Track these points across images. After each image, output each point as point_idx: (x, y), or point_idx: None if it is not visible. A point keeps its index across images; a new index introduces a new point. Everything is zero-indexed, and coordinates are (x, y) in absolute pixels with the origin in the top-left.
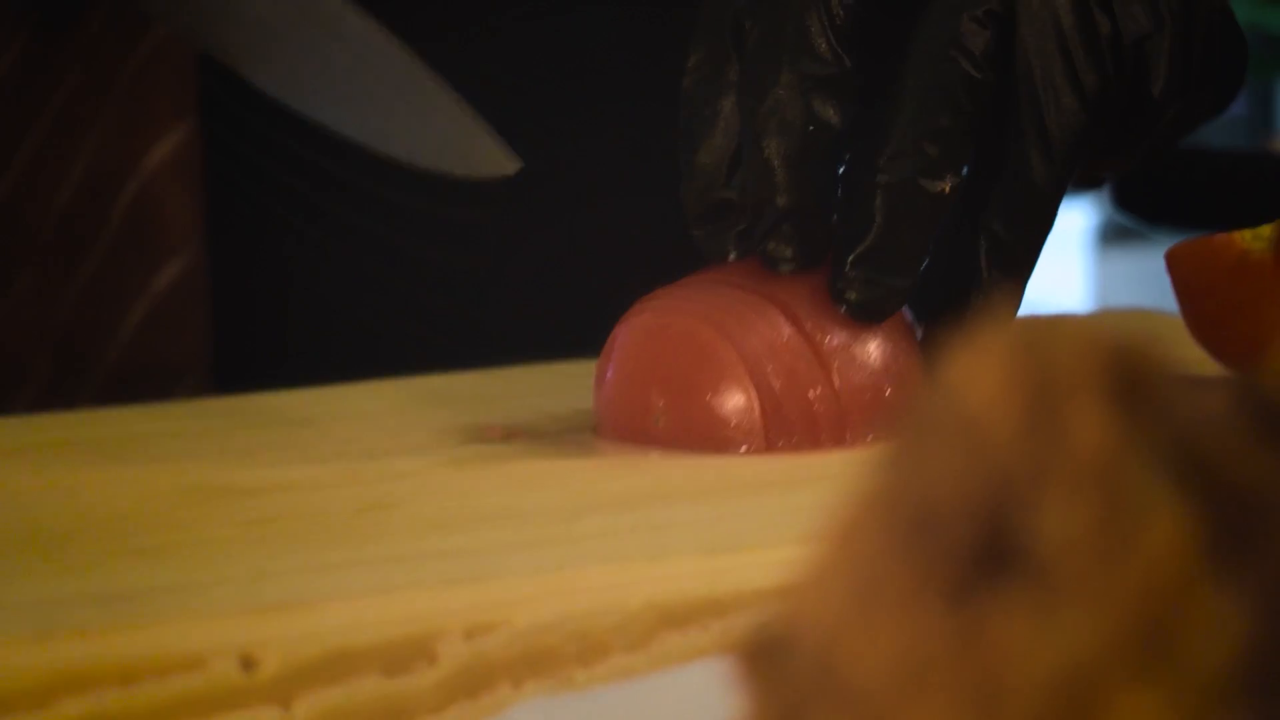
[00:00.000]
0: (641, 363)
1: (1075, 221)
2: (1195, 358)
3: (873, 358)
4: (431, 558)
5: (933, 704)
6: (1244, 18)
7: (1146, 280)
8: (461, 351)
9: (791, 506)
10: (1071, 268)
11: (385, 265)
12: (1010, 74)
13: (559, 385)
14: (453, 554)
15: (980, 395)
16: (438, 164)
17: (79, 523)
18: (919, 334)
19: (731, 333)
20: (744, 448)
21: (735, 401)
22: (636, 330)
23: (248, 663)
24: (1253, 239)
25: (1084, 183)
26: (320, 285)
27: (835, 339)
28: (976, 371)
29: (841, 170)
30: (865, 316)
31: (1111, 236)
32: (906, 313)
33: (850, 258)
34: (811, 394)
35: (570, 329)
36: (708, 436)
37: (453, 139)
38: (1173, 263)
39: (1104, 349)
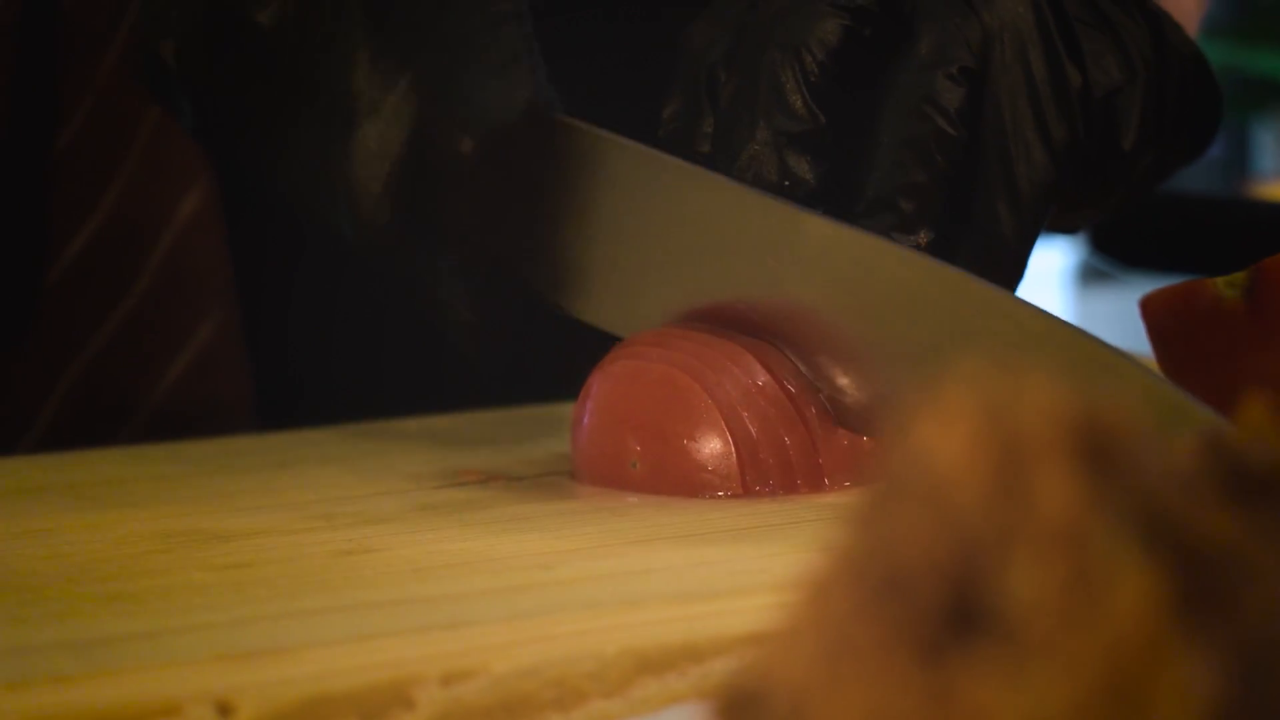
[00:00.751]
0: (618, 408)
1: (1053, 261)
2: None
3: (849, 405)
4: (408, 604)
5: None
6: (1221, 59)
7: (1124, 320)
8: (442, 394)
9: (768, 553)
10: (1049, 307)
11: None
12: (980, 126)
13: (536, 429)
14: (430, 600)
15: (948, 457)
16: None
17: (54, 568)
18: None
19: (707, 379)
20: (721, 493)
21: (712, 447)
22: (612, 376)
23: (224, 709)
24: (1226, 286)
25: (1059, 229)
26: (335, 325)
27: (811, 385)
28: (944, 433)
29: None
30: None
31: (1090, 276)
32: None
33: None
34: (787, 440)
35: (548, 373)
36: (684, 482)
37: None
38: (1147, 309)
39: (1070, 410)
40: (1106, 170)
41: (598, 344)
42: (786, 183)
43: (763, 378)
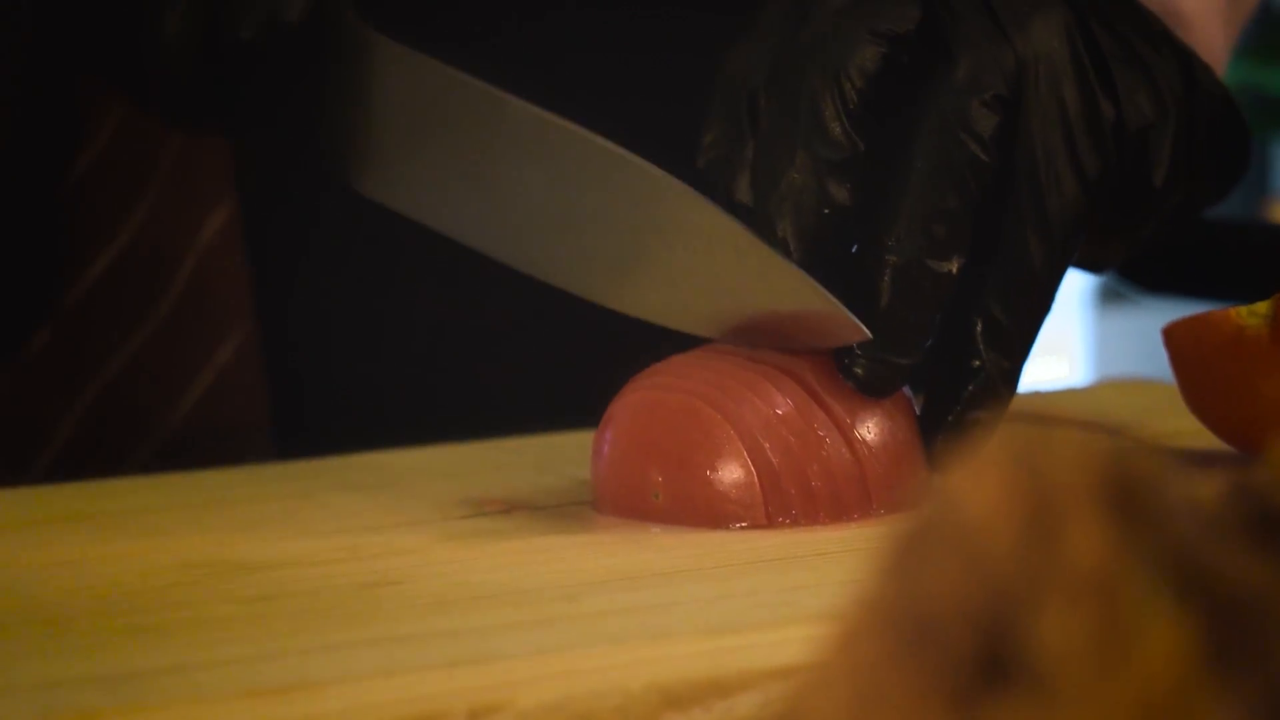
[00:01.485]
0: (638, 439)
1: (1072, 283)
2: (1191, 429)
3: (871, 434)
4: (435, 637)
5: None
6: (1240, 78)
7: (1145, 341)
8: (459, 421)
9: (793, 585)
10: (1071, 328)
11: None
12: (1013, 156)
13: (555, 456)
14: (455, 634)
15: (979, 506)
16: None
17: (81, 601)
18: (917, 410)
19: (728, 408)
20: (743, 524)
21: (734, 477)
22: (632, 406)
23: None
24: (1249, 315)
25: (1088, 266)
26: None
27: (833, 414)
28: (976, 482)
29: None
30: (870, 392)
31: (1111, 297)
32: (907, 390)
33: None
34: (809, 469)
35: (568, 400)
36: (707, 512)
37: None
38: (1170, 338)
39: (1101, 460)
40: (1136, 206)
41: (617, 371)
42: (826, 210)
43: (783, 407)
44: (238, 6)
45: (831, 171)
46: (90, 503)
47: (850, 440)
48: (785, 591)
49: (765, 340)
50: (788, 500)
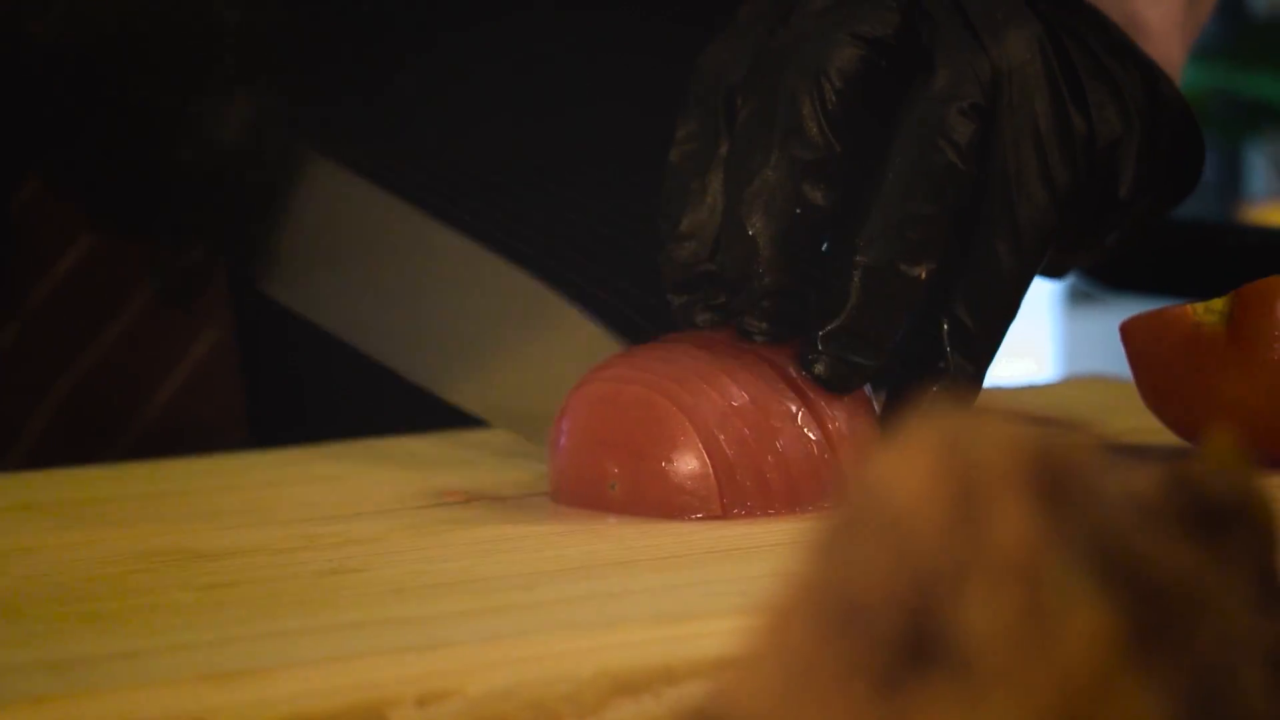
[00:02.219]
0: (595, 430)
1: (1040, 283)
2: (1150, 426)
3: (829, 428)
4: (387, 624)
5: None
6: (1213, 82)
7: (1114, 341)
8: (420, 413)
9: (745, 575)
10: (1038, 327)
11: None
12: (986, 166)
13: (518, 448)
14: (409, 621)
15: (907, 491)
16: None
17: (37, 588)
18: (877, 405)
19: (683, 400)
20: (699, 515)
21: (690, 469)
22: (589, 398)
23: None
24: (1205, 312)
25: (1050, 273)
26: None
27: (791, 408)
28: (903, 467)
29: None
30: (830, 389)
31: (1079, 297)
32: (867, 387)
33: (821, 333)
34: (765, 462)
35: None
36: (663, 504)
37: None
38: (1127, 334)
39: (1029, 447)
40: (1102, 216)
41: None
42: (799, 210)
43: (739, 399)
44: (177, 128)
45: (807, 172)
46: (50, 491)
47: (807, 434)
48: (738, 581)
49: None
50: (743, 492)
